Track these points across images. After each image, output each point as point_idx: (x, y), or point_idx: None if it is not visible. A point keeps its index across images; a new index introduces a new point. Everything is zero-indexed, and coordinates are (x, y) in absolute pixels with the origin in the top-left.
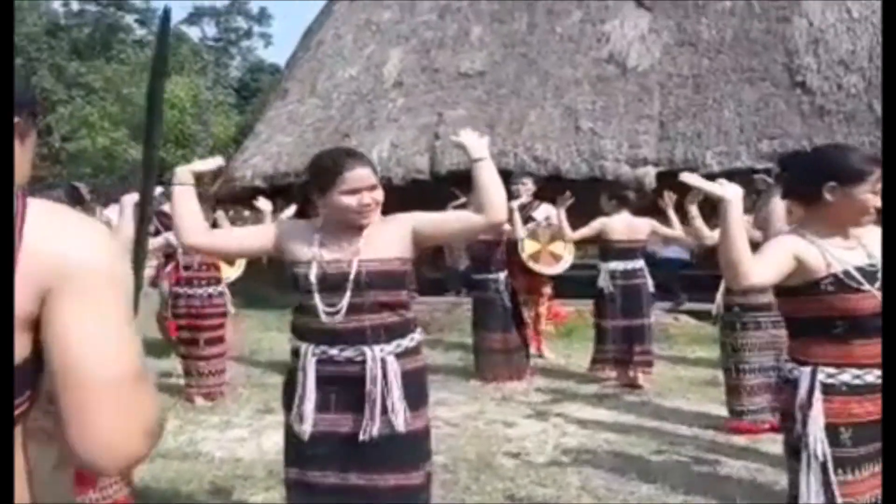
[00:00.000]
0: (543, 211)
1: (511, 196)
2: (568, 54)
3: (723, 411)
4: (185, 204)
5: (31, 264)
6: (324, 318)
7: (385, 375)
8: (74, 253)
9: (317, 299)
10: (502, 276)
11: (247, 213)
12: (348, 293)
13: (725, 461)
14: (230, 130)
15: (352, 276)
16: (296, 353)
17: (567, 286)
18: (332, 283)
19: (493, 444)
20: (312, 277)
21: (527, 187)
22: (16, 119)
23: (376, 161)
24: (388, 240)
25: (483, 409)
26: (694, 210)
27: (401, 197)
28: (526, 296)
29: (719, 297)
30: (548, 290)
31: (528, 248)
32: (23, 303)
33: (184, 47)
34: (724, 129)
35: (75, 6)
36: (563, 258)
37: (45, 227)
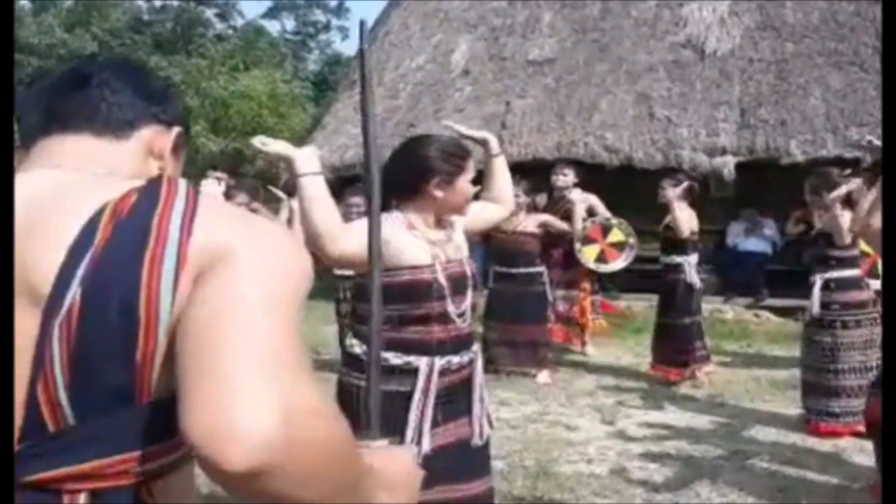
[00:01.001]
0: (584, 200)
1: (550, 186)
2: (643, 39)
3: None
4: (320, 201)
5: (194, 255)
6: (458, 323)
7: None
8: (230, 238)
9: (449, 305)
10: (541, 269)
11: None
12: (469, 293)
13: (806, 471)
14: (307, 123)
15: (469, 275)
16: (410, 371)
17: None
18: (457, 286)
19: (553, 449)
20: (443, 281)
21: (567, 178)
22: (174, 132)
23: None
24: (461, 236)
25: (546, 409)
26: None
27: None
28: (566, 291)
29: (817, 293)
30: (587, 284)
31: (588, 254)
32: (181, 302)
33: (262, 41)
34: (810, 116)
35: (157, 2)
36: (626, 244)
37: (210, 219)
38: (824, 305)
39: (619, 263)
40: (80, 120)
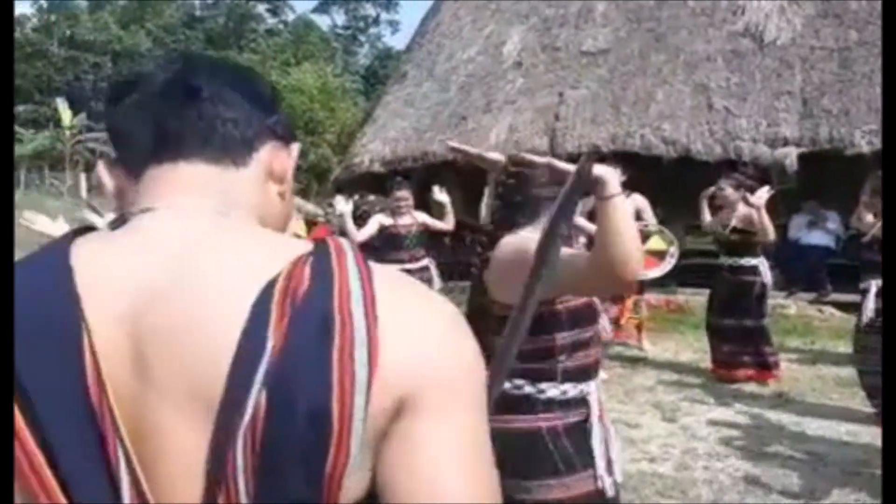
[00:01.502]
0: (631, 202)
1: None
2: (700, 28)
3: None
4: (632, 225)
5: (390, 365)
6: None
7: None
8: (438, 353)
9: (600, 322)
10: None
11: (372, 196)
12: None
13: (878, 470)
14: (357, 117)
15: None
16: (580, 400)
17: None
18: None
19: None
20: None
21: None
22: (294, 149)
23: (493, 144)
24: None
25: (606, 407)
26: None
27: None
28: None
29: (871, 299)
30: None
31: None
32: (377, 416)
33: (313, 35)
34: (875, 105)
35: None
36: (666, 253)
37: (399, 312)
38: (879, 311)
39: (654, 272)
40: (194, 144)
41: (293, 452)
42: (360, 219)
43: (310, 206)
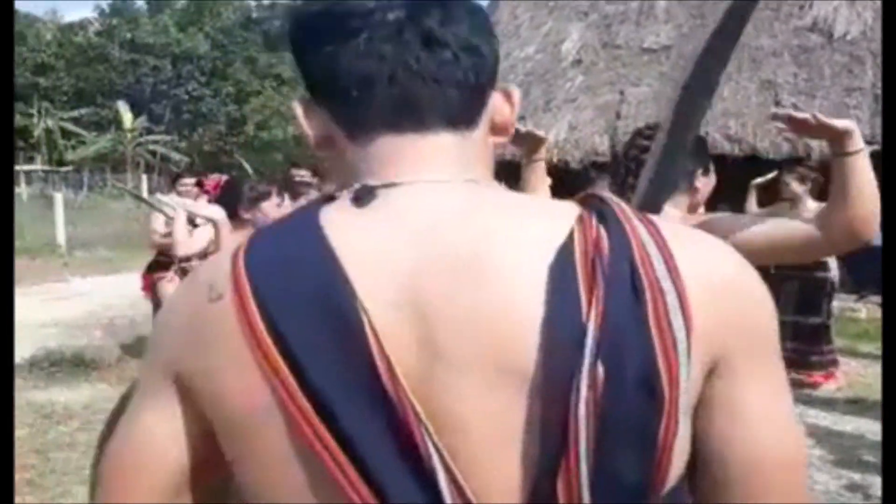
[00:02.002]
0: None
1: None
2: (765, 23)
3: None
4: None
5: (703, 328)
6: None
7: None
8: (743, 307)
9: None
10: None
11: None
12: None
13: None
14: None
15: None
16: None
17: None
18: None
19: None
20: None
21: None
22: (515, 93)
23: (553, 143)
24: None
25: None
26: None
27: (578, 181)
28: None
29: None
30: None
31: None
32: (696, 380)
33: None
34: None
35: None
36: None
37: (697, 267)
38: None
39: None
40: (438, 110)
41: (630, 425)
42: None
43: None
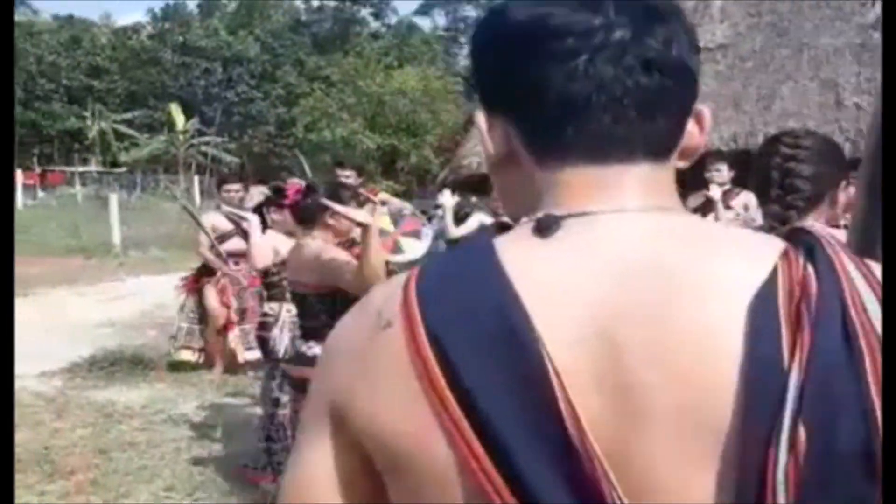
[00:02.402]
0: (742, 199)
1: (704, 184)
2: (826, 21)
3: None
4: None
5: None
6: None
7: None
8: None
9: None
10: None
11: (474, 198)
12: None
13: None
14: (459, 119)
15: None
16: None
17: None
18: None
19: None
20: None
21: (721, 174)
22: (706, 112)
23: None
24: None
25: None
26: None
27: None
28: None
29: None
30: None
31: None
32: None
33: (415, 38)
34: None
35: (315, 3)
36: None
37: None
38: None
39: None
40: (649, 142)
41: (837, 497)
42: (460, 219)
43: (396, 201)
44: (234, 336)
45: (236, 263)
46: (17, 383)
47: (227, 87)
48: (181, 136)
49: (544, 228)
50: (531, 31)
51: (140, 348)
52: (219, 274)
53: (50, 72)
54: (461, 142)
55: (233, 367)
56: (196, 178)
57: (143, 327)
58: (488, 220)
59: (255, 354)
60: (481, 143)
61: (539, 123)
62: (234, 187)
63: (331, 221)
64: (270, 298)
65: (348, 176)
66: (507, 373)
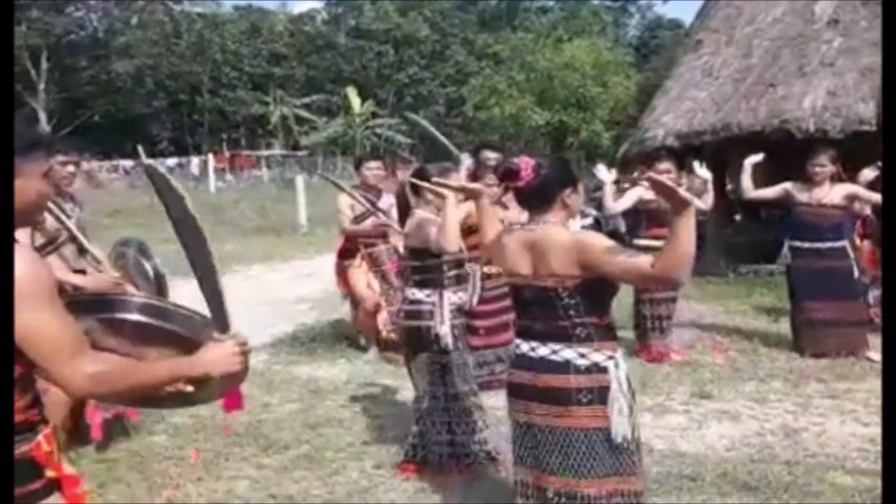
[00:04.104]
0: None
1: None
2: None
3: None
4: None
5: None
6: None
7: None
8: None
9: None
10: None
11: (636, 173)
12: None
13: None
14: (630, 90)
15: None
16: None
17: None
18: None
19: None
20: None
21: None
22: None
23: (808, 112)
24: None
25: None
26: None
27: (840, 152)
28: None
29: None
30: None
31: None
32: None
33: (584, 10)
34: None
35: None
36: None
37: None
38: None
39: None
40: None
41: None
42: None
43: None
44: (382, 318)
45: (373, 245)
46: None
47: (399, 68)
48: (358, 119)
49: None
50: None
51: (337, 324)
52: (360, 253)
53: (233, 60)
54: (634, 114)
55: (390, 349)
56: None
57: (336, 303)
58: (648, 195)
59: None
60: None
61: None
62: (374, 164)
63: (568, 201)
64: (421, 284)
65: (491, 158)
66: None
